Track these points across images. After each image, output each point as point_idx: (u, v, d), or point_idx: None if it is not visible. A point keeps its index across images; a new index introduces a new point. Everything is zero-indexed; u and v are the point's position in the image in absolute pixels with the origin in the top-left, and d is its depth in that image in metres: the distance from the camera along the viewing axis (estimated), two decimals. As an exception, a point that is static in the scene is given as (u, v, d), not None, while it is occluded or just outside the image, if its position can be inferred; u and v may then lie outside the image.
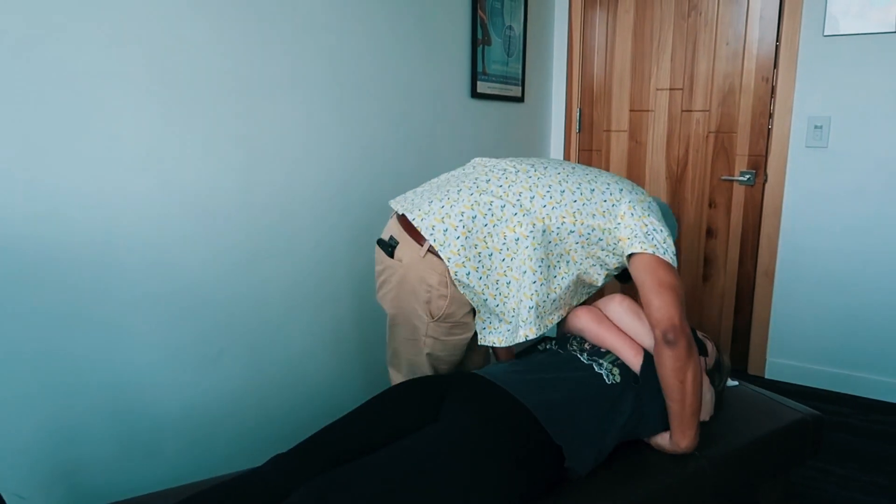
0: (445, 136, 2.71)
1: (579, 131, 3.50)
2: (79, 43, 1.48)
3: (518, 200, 1.50)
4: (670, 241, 1.49)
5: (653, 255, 1.44)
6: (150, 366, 1.72)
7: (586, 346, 1.59)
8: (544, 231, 1.48)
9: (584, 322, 1.61)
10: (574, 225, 1.49)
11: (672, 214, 1.75)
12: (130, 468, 1.71)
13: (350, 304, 2.32)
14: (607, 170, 3.41)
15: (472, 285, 1.49)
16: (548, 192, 1.51)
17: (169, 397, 1.78)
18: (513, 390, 1.37)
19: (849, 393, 2.97)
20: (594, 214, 1.49)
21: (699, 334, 1.68)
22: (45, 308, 1.49)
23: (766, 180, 3.02)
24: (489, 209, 1.50)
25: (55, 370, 1.53)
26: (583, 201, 1.50)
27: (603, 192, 1.51)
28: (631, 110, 3.33)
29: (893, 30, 2.65)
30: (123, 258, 1.63)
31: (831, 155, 2.86)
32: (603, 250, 1.53)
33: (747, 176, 3.06)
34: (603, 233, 1.49)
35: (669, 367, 1.39)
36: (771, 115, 2.98)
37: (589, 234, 1.50)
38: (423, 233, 1.52)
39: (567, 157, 3.54)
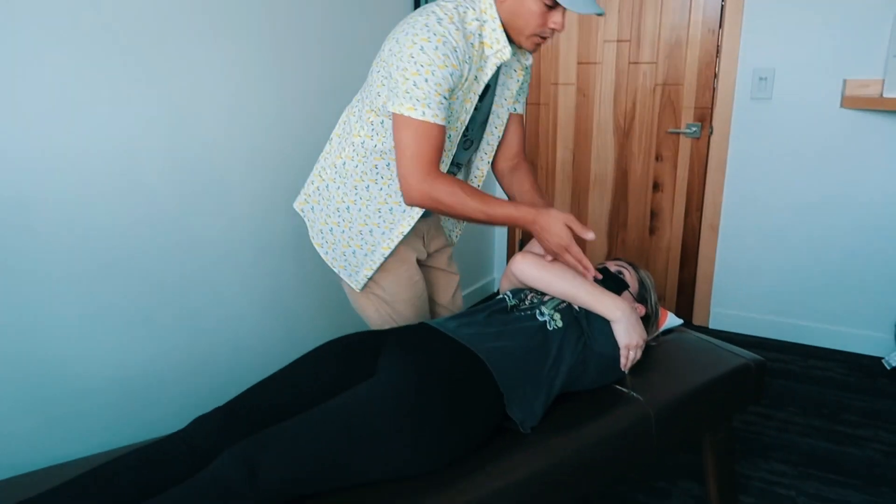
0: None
1: (527, 85, 3.43)
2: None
3: (342, 126, 1.58)
4: (438, 92, 1.32)
5: (399, 114, 1.34)
6: (72, 331, 1.62)
7: (530, 293, 1.56)
8: (362, 141, 1.50)
9: (523, 271, 1.55)
10: (377, 109, 1.45)
11: None
12: (52, 439, 1.61)
13: (289, 262, 2.23)
14: (555, 127, 3.37)
15: (316, 217, 1.61)
16: (358, 100, 1.55)
17: (94, 363, 1.68)
18: (459, 338, 1.33)
19: (789, 340, 3.05)
20: (379, 93, 1.42)
21: (612, 267, 1.65)
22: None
23: (711, 133, 3.02)
24: (329, 144, 1.61)
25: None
26: (370, 85, 1.47)
27: (377, 65, 1.44)
28: (578, 63, 3.28)
29: (836, -21, 2.65)
30: (35, 216, 1.51)
31: (775, 106, 2.88)
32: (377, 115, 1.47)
33: (693, 129, 3.06)
34: (368, 95, 1.48)
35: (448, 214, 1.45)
36: (717, 68, 2.97)
37: (383, 108, 1.43)
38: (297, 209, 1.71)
39: (515, 111, 3.47)
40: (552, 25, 1.40)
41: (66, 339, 1.61)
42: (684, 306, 3.29)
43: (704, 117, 3.05)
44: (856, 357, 2.88)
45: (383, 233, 1.56)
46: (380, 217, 1.54)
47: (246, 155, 2.02)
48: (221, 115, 1.92)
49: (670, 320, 1.76)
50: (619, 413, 1.44)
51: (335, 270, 1.64)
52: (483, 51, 1.40)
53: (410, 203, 1.42)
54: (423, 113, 1.32)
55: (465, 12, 1.37)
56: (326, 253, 1.63)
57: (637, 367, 1.62)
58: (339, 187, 1.56)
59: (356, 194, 1.54)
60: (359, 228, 1.56)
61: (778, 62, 2.84)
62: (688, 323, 3.28)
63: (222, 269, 2.00)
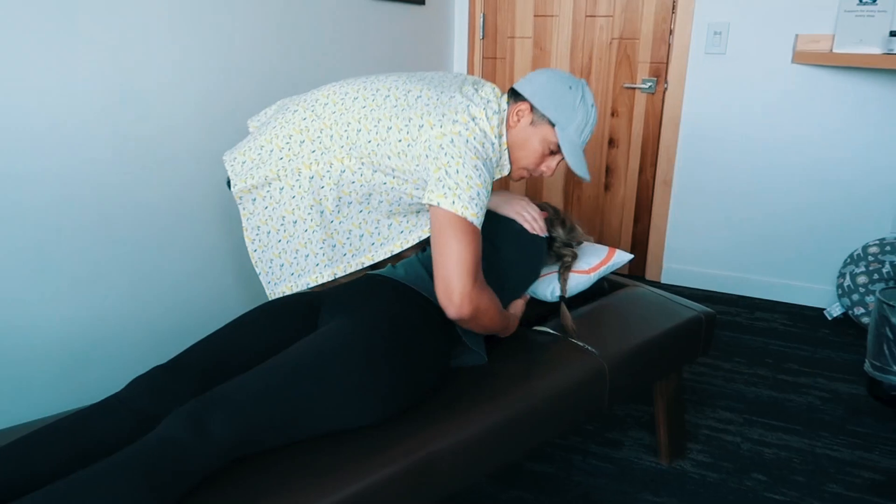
0: (339, 40, 2.51)
1: (483, 38, 3.36)
2: None
3: (318, 137, 1.40)
4: (470, 185, 1.27)
5: (438, 207, 1.25)
6: (10, 289, 1.54)
7: None
8: (343, 171, 1.39)
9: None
10: (374, 165, 1.38)
11: (572, 102, 1.46)
12: (-7, 402, 1.55)
13: (240, 220, 2.16)
14: (511, 80, 3.32)
15: (257, 213, 1.45)
16: (346, 130, 1.38)
17: (38, 324, 1.61)
18: (400, 278, 1.38)
19: (737, 293, 3.14)
20: (389, 156, 1.36)
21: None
22: None
23: (666, 88, 3.03)
24: (287, 143, 1.42)
25: None
26: (377, 141, 1.36)
27: (399, 131, 1.34)
28: (535, 16, 3.22)
29: (791, -68, 2.65)
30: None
31: (729, 61, 2.89)
32: (417, 188, 1.40)
33: (649, 84, 3.06)
34: (406, 174, 1.37)
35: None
36: (672, 22, 2.95)
37: (393, 173, 1.38)
38: (225, 164, 1.46)
39: (470, 65, 3.41)
40: (544, 168, 1.48)
41: (9, 302, 1.54)
42: (638, 261, 3.34)
43: (660, 72, 3.04)
44: (799, 308, 2.98)
45: (317, 265, 1.47)
46: (321, 249, 1.46)
47: (194, 113, 1.93)
48: (168, 70, 1.82)
49: (618, 256, 1.76)
50: (574, 366, 1.46)
51: (256, 270, 1.53)
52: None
53: (458, 315, 1.27)
54: (477, 220, 1.27)
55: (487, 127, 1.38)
56: (255, 251, 1.51)
57: (592, 321, 1.64)
58: (294, 197, 1.43)
59: (309, 214, 1.44)
60: (296, 247, 1.47)
61: (732, 17, 2.84)
62: (641, 278, 3.33)
63: (172, 228, 1.93)
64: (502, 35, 3.33)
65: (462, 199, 1.24)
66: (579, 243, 1.78)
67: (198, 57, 1.91)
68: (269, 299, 1.43)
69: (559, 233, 1.71)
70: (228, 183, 1.54)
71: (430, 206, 1.27)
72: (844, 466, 1.87)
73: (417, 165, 1.33)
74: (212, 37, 1.95)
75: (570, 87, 1.43)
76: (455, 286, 1.24)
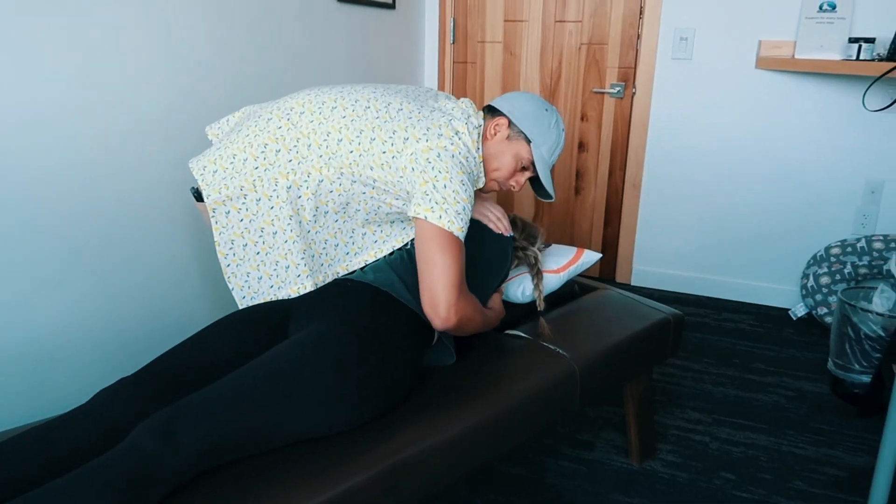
0: (309, 43, 2.50)
1: (453, 42, 3.37)
2: None
3: (295, 146, 1.38)
4: (456, 199, 1.29)
5: (424, 220, 1.28)
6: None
7: None
8: (321, 181, 1.38)
9: None
10: (354, 175, 1.37)
11: (548, 122, 1.54)
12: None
13: (207, 226, 2.13)
14: (482, 85, 3.34)
15: (231, 226, 1.40)
16: (325, 140, 1.37)
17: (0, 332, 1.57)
18: (372, 282, 1.39)
19: (705, 295, 3.19)
20: (372, 167, 1.36)
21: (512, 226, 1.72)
22: None
23: (634, 93, 3.07)
24: (262, 152, 1.38)
25: None
26: (360, 152, 1.35)
27: (384, 143, 1.35)
28: (505, 20, 3.24)
29: (753, -59, 2.71)
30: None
31: (695, 66, 2.94)
32: (397, 199, 1.41)
33: (617, 88, 3.10)
34: (387, 185, 1.37)
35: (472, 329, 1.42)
36: (640, 28, 3.00)
37: (373, 184, 1.38)
38: (193, 173, 1.40)
39: (441, 70, 3.42)
40: (513, 182, 1.53)
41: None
42: (608, 264, 3.37)
43: (628, 77, 3.09)
44: (765, 309, 3.04)
45: (298, 276, 1.44)
46: (302, 259, 1.43)
47: (160, 114, 1.90)
48: (133, 72, 1.79)
49: (587, 255, 1.79)
50: (546, 370, 1.47)
51: (229, 285, 1.47)
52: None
53: (444, 326, 1.29)
54: (461, 234, 1.30)
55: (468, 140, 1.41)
56: (229, 265, 1.44)
57: (563, 324, 1.66)
58: (272, 208, 1.39)
59: (289, 224, 1.41)
60: (276, 259, 1.43)
61: (698, 23, 2.89)
62: (612, 280, 3.37)
63: (138, 232, 1.89)
64: (473, 40, 3.34)
65: (449, 213, 1.27)
66: (547, 245, 1.80)
67: (163, 59, 1.89)
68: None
69: (515, 233, 1.74)
70: (195, 193, 1.50)
71: (417, 218, 1.29)
72: (809, 463, 1.91)
73: (401, 177, 1.34)
74: (177, 39, 1.93)
75: (546, 110, 1.51)
76: (441, 299, 1.26)
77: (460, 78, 3.41)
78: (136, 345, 1.94)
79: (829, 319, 2.76)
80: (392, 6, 3.01)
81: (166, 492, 0.99)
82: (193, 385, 1.16)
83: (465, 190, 1.31)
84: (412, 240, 1.51)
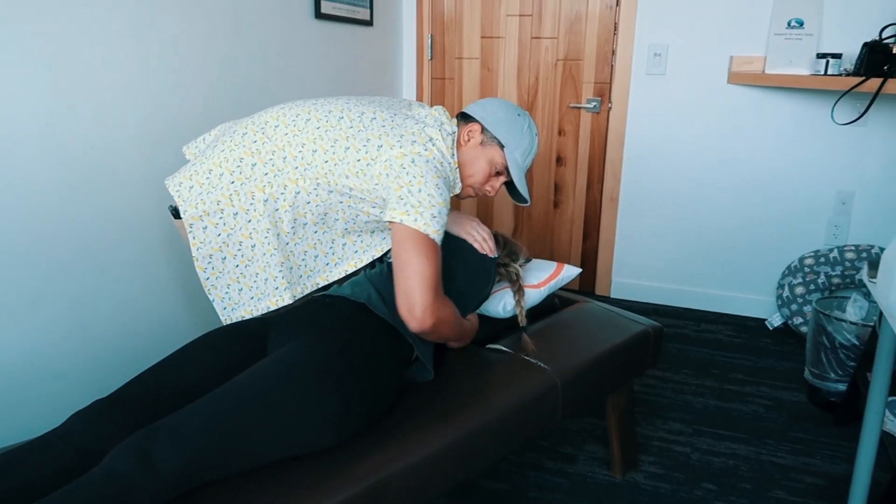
0: (287, 60, 2.50)
1: (431, 58, 3.40)
2: None
3: (271, 159, 1.39)
4: (432, 203, 1.30)
5: (400, 223, 1.28)
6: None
7: None
8: (297, 193, 1.38)
9: None
10: (330, 185, 1.38)
11: (520, 127, 1.55)
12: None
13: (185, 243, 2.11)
14: (460, 100, 3.36)
15: (209, 241, 1.39)
16: (300, 151, 1.38)
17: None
18: (349, 296, 1.40)
19: (683, 306, 3.22)
20: (347, 175, 1.36)
21: (496, 240, 1.72)
22: None
23: (610, 107, 3.11)
24: (238, 166, 1.38)
25: None
26: (335, 161, 1.36)
27: (358, 151, 1.34)
28: (482, 37, 3.28)
29: (723, -41, 2.77)
30: None
31: (669, 82, 2.99)
32: (374, 206, 1.42)
33: (593, 103, 3.14)
34: (363, 193, 1.38)
35: (452, 337, 1.46)
36: (615, 44, 3.04)
37: (349, 193, 1.39)
38: (171, 191, 1.40)
39: (419, 85, 3.44)
40: (488, 188, 1.55)
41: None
42: (587, 277, 3.40)
43: (604, 92, 3.13)
44: (742, 319, 3.07)
45: (276, 288, 1.44)
46: (280, 272, 1.43)
47: (138, 129, 1.88)
48: (107, 88, 1.78)
49: (567, 270, 1.79)
50: (527, 383, 1.47)
51: (209, 297, 1.46)
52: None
53: (420, 328, 1.29)
54: (437, 237, 1.31)
55: (443, 145, 1.43)
56: (208, 279, 1.43)
57: (544, 338, 1.66)
58: (250, 221, 1.39)
59: (266, 237, 1.40)
60: (256, 271, 1.43)
61: (671, 39, 2.94)
62: (590, 293, 3.39)
63: (112, 251, 1.87)
64: (450, 56, 3.37)
65: (424, 216, 1.28)
66: (528, 259, 1.81)
67: (140, 75, 1.88)
68: (222, 325, 1.39)
69: (497, 250, 1.74)
70: (173, 211, 1.49)
71: (392, 223, 1.29)
72: (789, 472, 1.92)
73: (377, 184, 1.34)
74: (154, 55, 1.92)
75: (519, 115, 1.53)
76: (417, 300, 1.26)
77: (438, 93, 3.44)
78: (113, 365, 1.91)
79: (804, 329, 2.80)
80: (370, 23, 3.03)
81: (143, 516, 0.98)
82: (171, 406, 1.15)
83: (441, 194, 1.32)
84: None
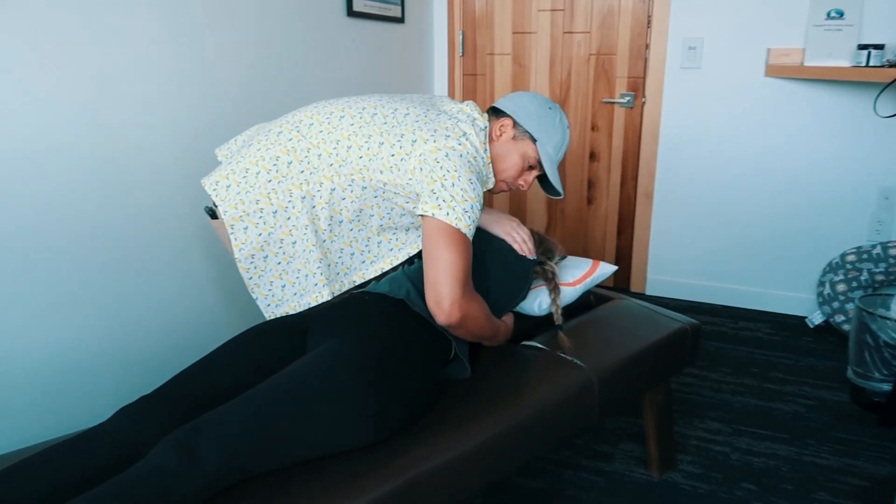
0: (319, 58, 2.52)
1: (462, 55, 3.39)
2: None
3: (306, 157, 1.40)
4: (465, 198, 1.30)
5: (432, 217, 1.29)
6: (-14, 318, 1.51)
7: None
8: (333, 189, 1.39)
9: None
10: (365, 181, 1.39)
11: (552, 121, 1.54)
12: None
13: (220, 243, 2.14)
14: (492, 96, 3.35)
15: (251, 241, 1.40)
16: (335, 148, 1.38)
17: (15, 351, 1.58)
18: (388, 292, 1.40)
19: (720, 303, 3.17)
20: (381, 171, 1.37)
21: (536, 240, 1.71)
22: None
23: (644, 102, 3.07)
24: (274, 164, 1.40)
25: None
26: (369, 157, 1.37)
27: (392, 146, 1.35)
28: (514, 32, 3.26)
29: (761, -51, 2.71)
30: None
31: (704, 75, 2.94)
32: (408, 202, 1.43)
33: (627, 98, 3.10)
34: (397, 188, 1.39)
35: (486, 336, 1.44)
36: (648, 37, 3.00)
37: (384, 188, 1.40)
38: (208, 190, 1.41)
39: (451, 82, 3.43)
40: (521, 182, 1.55)
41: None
42: (622, 274, 3.36)
43: (637, 87, 3.09)
44: (782, 317, 3.01)
45: (316, 285, 1.45)
46: (319, 269, 1.44)
47: (171, 132, 1.92)
48: (142, 91, 1.81)
49: (602, 268, 1.78)
50: (564, 381, 1.46)
51: (253, 295, 1.47)
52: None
53: (447, 322, 1.29)
54: (469, 232, 1.31)
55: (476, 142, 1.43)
56: (251, 278, 1.44)
57: (580, 335, 1.65)
58: (289, 218, 1.40)
59: (305, 234, 1.41)
60: (297, 267, 1.44)
61: (706, 32, 2.89)
62: (626, 290, 3.35)
63: (153, 252, 1.91)
64: (482, 52, 3.36)
65: (456, 210, 1.28)
66: (563, 257, 1.79)
67: (172, 77, 1.91)
68: (260, 322, 1.41)
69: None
70: (209, 211, 1.50)
71: (424, 216, 1.30)
72: (832, 473, 1.88)
73: (410, 179, 1.35)
74: (188, 57, 1.95)
75: (550, 108, 1.52)
76: (445, 293, 1.26)
77: (470, 90, 3.43)
78: (153, 362, 1.95)
79: (846, 327, 2.73)
80: (401, 20, 3.03)
81: (186, 510, 0.99)
82: (213, 402, 1.16)
83: (474, 189, 1.32)
84: None
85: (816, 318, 2.87)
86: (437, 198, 1.29)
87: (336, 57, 2.62)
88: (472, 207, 1.30)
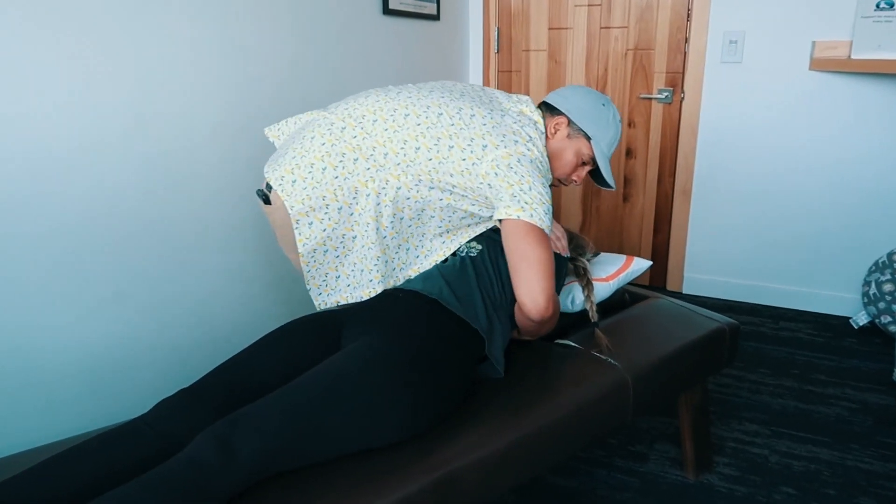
0: (355, 56, 2.54)
1: (497, 51, 3.38)
2: None
3: (372, 154, 1.40)
4: (542, 200, 1.36)
5: (517, 220, 1.33)
6: (36, 311, 1.56)
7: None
8: (399, 188, 1.40)
9: None
10: (433, 182, 1.40)
11: (606, 118, 1.56)
12: (23, 423, 1.57)
13: (261, 238, 2.18)
14: (527, 93, 3.33)
15: (314, 236, 1.42)
16: (402, 148, 1.39)
17: (65, 346, 1.63)
18: (422, 290, 1.42)
19: (759, 303, 3.10)
20: (452, 174, 1.39)
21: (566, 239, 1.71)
22: None
23: (683, 98, 3.02)
24: (340, 161, 1.40)
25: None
26: (439, 160, 1.38)
27: (462, 150, 1.37)
28: (550, 28, 3.23)
29: (806, -61, 2.64)
30: (-11, 192, 1.45)
31: (745, 70, 2.87)
32: (473, 204, 1.45)
33: (665, 94, 3.05)
34: (466, 191, 1.42)
35: (534, 330, 1.47)
36: (687, 32, 2.95)
37: (452, 190, 1.42)
38: (272, 184, 1.42)
39: (486, 79, 3.43)
40: (574, 177, 1.60)
41: (35, 325, 1.56)
42: (658, 272, 3.31)
43: (676, 82, 3.04)
44: (824, 317, 2.93)
45: (370, 280, 1.47)
46: (375, 266, 1.46)
47: (212, 130, 1.95)
48: (186, 88, 1.85)
49: (637, 263, 1.76)
50: (598, 380, 1.45)
51: (307, 286, 1.51)
52: None
53: (541, 317, 1.34)
54: (549, 231, 1.39)
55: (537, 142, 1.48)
56: (309, 270, 1.47)
57: (615, 333, 1.63)
58: (352, 214, 1.41)
59: (366, 230, 1.43)
60: (354, 261, 1.47)
61: (748, 25, 2.82)
62: (662, 289, 3.30)
63: (196, 248, 1.95)
64: (517, 48, 3.34)
65: (538, 212, 1.34)
66: (595, 254, 1.79)
67: (212, 76, 1.94)
68: (298, 317, 1.44)
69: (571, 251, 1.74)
70: (262, 195, 1.50)
71: (508, 220, 1.35)
72: (876, 479, 1.83)
73: (481, 183, 1.39)
74: (228, 55, 1.98)
75: (604, 105, 1.55)
76: (542, 288, 1.32)
77: (505, 86, 3.42)
78: (194, 355, 1.99)
79: (893, 328, 2.65)
80: (437, 17, 3.04)
81: (222, 503, 1.01)
82: (250, 396, 1.19)
83: (546, 191, 1.39)
84: (469, 247, 1.53)
85: (861, 319, 2.79)
86: (519, 201, 1.34)
87: (372, 55, 2.64)
88: (548, 210, 1.37)
